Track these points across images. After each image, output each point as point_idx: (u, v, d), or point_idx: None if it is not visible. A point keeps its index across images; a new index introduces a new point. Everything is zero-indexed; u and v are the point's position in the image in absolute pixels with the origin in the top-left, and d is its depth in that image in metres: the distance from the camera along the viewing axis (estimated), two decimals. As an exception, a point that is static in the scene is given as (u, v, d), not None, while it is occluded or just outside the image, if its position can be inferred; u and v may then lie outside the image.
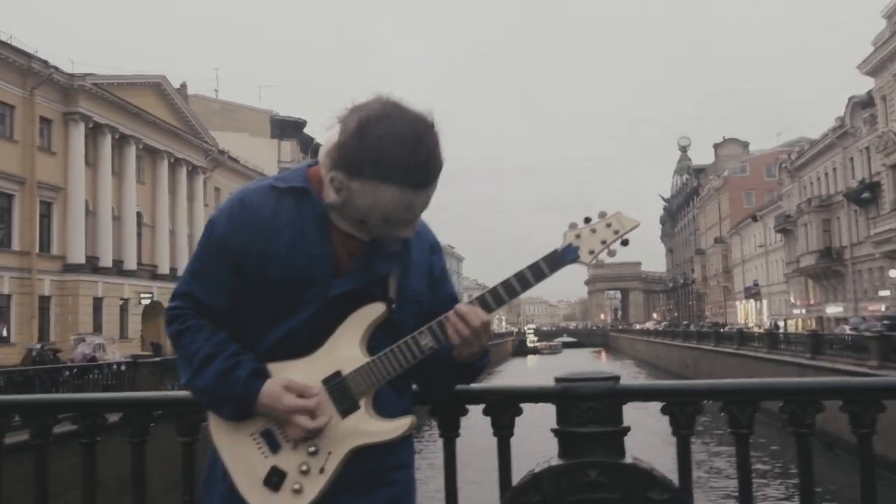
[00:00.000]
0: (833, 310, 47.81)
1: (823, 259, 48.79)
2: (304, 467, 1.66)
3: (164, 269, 37.77)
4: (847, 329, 31.86)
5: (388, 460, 1.73)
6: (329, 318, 1.68)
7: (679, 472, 1.95)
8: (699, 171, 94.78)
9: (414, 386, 1.87)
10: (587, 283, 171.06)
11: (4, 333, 28.54)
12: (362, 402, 1.68)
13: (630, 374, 53.38)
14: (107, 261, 33.12)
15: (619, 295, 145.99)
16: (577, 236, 1.73)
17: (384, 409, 1.70)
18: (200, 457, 2.15)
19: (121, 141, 34.60)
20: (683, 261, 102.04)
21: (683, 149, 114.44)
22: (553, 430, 1.89)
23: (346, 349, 1.68)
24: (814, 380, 2.05)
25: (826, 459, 17.90)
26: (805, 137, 64.30)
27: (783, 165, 59.78)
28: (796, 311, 55.64)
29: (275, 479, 1.66)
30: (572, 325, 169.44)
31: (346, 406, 1.67)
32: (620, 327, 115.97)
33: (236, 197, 1.74)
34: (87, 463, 2.15)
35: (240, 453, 1.70)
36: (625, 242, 1.75)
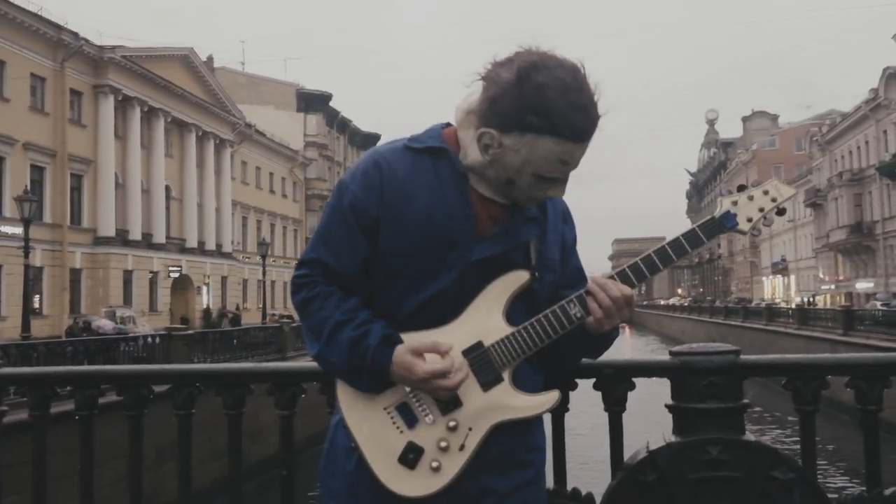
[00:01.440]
0: (863, 285, 47.23)
1: (854, 234, 48.17)
2: (443, 444, 1.57)
3: (192, 242, 38.06)
4: (878, 304, 31.47)
5: (525, 440, 1.65)
6: (469, 286, 1.60)
7: (802, 451, 1.88)
8: (727, 145, 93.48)
9: None
10: (611, 258, 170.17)
11: (36, 305, 28.96)
12: (505, 375, 1.59)
13: (654, 350, 53.26)
14: (136, 234, 33.42)
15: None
16: (734, 203, 1.66)
17: (522, 384, 1.62)
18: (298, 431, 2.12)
19: (149, 114, 34.75)
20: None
21: (711, 122, 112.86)
22: (668, 406, 1.82)
23: (487, 318, 1.59)
24: None
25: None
26: (836, 110, 63.16)
27: (814, 139, 58.84)
28: (825, 287, 55.08)
29: (411, 456, 1.57)
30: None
31: (489, 378, 1.58)
32: (645, 303, 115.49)
33: (369, 158, 1.66)
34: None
35: (373, 429, 1.61)
36: (781, 211, 1.68)
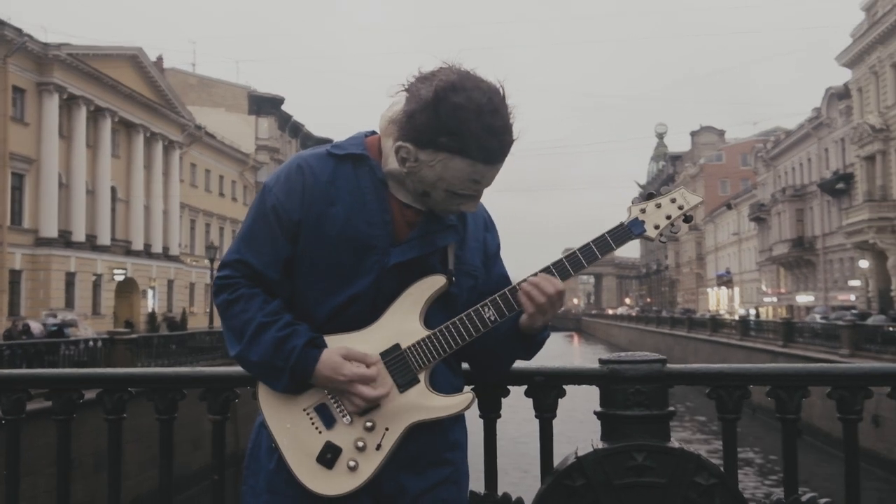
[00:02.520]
0: (804, 298, 48.58)
1: (796, 248, 49.51)
2: (360, 443, 1.60)
3: (138, 245, 37.25)
4: (817, 317, 32.43)
5: (442, 439, 1.68)
6: (386, 289, 1.63)
7: (724, 457, 1.93)
8: (675, 158, 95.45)
9: (464, 365, 1.82)
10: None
11: (-26, 307, 28.07)
12: (422, 377, 1.63)
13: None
14: (80, 235, 32.58)
15: (592, 280, 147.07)
16: (643, 211, 1.72)
17: (439, 385, 1.65)
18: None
19: (96, 113, 33.96)
20: (657, 247, 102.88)
21: (660, 136, 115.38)
22: (596, 413, 1.85)
23: (405, 321, 1.63)
24: (864, 365, 2.02)
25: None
26: (780, 127, 64.95)
27: (759, 154, 60.40)
28: (767, 300, 56.47)
29: (329, 456, 1.59)
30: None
31: (406, 380, 1.62)
32: (593, 312, 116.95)
33: (293, 163, 1.69)
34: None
35: (292, 429, 1.63)
36: (688, 219, 1.73)
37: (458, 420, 1.72)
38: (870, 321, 24.63)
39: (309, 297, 1.65)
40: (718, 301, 72.63)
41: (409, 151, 1.56)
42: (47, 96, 30.81)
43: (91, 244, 33.49)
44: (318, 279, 1.63)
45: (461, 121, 1.49)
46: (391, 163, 1.63)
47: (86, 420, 2.13)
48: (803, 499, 1.89)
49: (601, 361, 1.89)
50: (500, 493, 1.99)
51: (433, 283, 1.64)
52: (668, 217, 1.72)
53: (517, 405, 2.06)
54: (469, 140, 1.50)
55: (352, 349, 1.60)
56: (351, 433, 1.61)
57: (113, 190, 35.58)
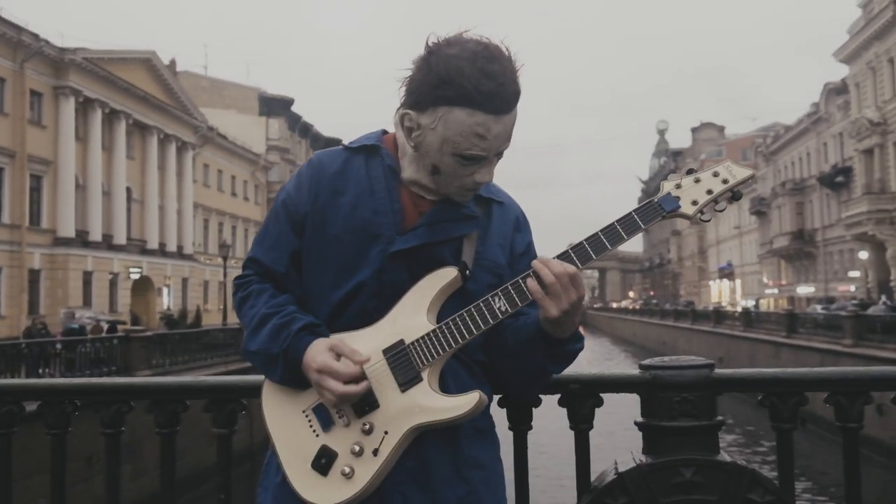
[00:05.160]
0: (804, 290, 49.14)
1: (796, 241, 50.04)
2: (356, 448, 1.46)
3: (153, 244, 37.96)
4: (818, 308, 32.90)
5: (457, 454, 1.53)
6: (393, 280, 1.53)
7: (779, 471, 1.77)
8: (677, 154, 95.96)
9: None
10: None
11: (-5, 307, 28.75)
12: (425, 375, 1.48)
13: (607, 351, 54.51)
14: (96, 235, 33.27)
15: (596, 274, 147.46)
16: (678, 186, 1.52)
17: (451, 391, 1.51)
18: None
19: (111, 116, 34.65)
20: (660, 241, 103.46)
21: (661, 132, 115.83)
22: (637, 424, 1.70)
23: (412, 316, 1.51)
24: None
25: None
26: (780, 123, 65.45)
27: (759, 150, 60.82)
28: (769, 291, 57.01)
29: (323, 461, 1.47)
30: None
31: (407, 378, 1.48)
32: (597, 305, 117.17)
33: (309, 160, 1.67)
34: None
35: (290, 432, 1.53)
36: (736, 196, 1.53)
37: (479, 435, 1.58)
38: (870, 311, 24.58)
39: (316, 290, 1.59)
40: (721, 293, 73.25)
41: (412, 118, 1.48)
42: (64, 100, 31.47)
43: (107, 244, 34.17)
44: (325, 271, 1.57)
45: (455, 68, 1.41)
46: (407, 152, 1.57)
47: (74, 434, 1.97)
48: None
49: (642, 367, 1.73)
50: None
51: (444, 276, 1.52)
52: (710, 192, 1.51)
53: (542, 414, 1.84)
54: (464, 84, 1.40)
55: (340, 342, 1.49)
56: (348, 436, 1.48)
57: (128, 190, 36.26)
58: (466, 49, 1.43)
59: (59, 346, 16.27)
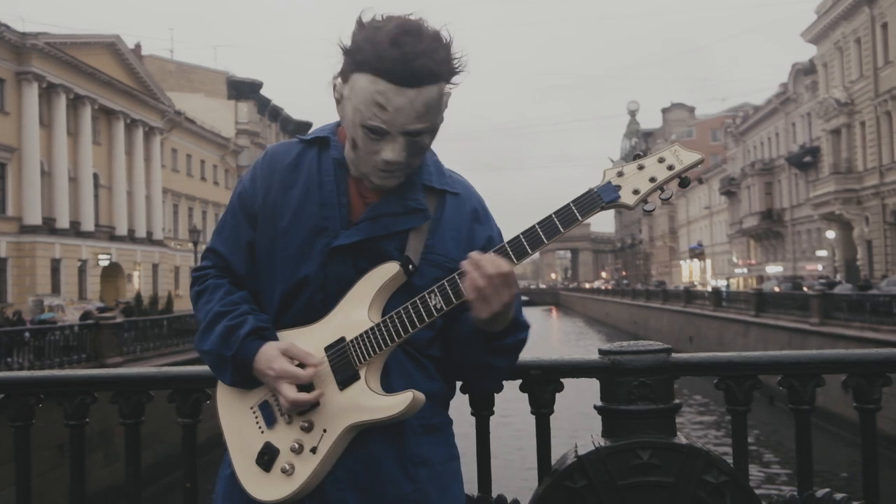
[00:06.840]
0: (773, 269, 49.84)
1: (765, 220, 50.73)
2: (295, 445, 1.48)
3: (122, 230, 37.54)
4: (775, 288, 33.37)
5: (402, 452, 1.51)
6: (337, 276, 1.52)
7: (734, 452, 1.80)
8: (647, 135, 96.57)
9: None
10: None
11: (-38, 296, 28.27)
12: (363, 373, 1.47)
13: (580, 332, 54.92)
14: (64, 222, 32.82)
15: (569, 255, 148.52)
16: (620, 174, 1.44)
17: (396, 387, 1.50)
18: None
19: (76, 101, 34.07)
20: (631, 222, 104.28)
21: (632, 113, 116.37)
22: (597, 407, 1.73)
23: (353, 313, 1.49)
24: (883, 351, 1.85)
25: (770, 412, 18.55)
26: (749, 103, 66.14)
27: (728, 130, 61.46)
28: (738, 271, 57.77)
29: (266, 458, 1.49)
30: (524, 283, 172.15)
31: (346, 376, 1.47)
32: (571, 286, 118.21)
33: (264, 153, 1.67)
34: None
35: (238, 428, 1.55)
36: (683, 182, 1.45)
37: (429, 432, 1.55)
38: (837, 290, 24.94)
39: (267, 282, 1.58)
40: (691, 273, 74.14)
41: (335, 88, 1.49)
42: (27, 85, 30.88)
43: (75, 230, 33.74)
44: (274, 264, 1.56)
45: (368, 37, 1.41)
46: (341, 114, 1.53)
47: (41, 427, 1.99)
48: (818, 494, 1.78)
49: (601, 352, 1.75)
50: (494, 495, 1.87)
51: (386, 272, 1.49)
52: (653, 180, 1.43)
53: (504, 398, 1.86)
54: (371, 51, 1.39)
55: (293, 346, 1.49)
56: (289, 434, 1.49)
57: (95, 176, 35.76)
58: (390, 20, 1.42)
59: (27, 334, 16.10)
